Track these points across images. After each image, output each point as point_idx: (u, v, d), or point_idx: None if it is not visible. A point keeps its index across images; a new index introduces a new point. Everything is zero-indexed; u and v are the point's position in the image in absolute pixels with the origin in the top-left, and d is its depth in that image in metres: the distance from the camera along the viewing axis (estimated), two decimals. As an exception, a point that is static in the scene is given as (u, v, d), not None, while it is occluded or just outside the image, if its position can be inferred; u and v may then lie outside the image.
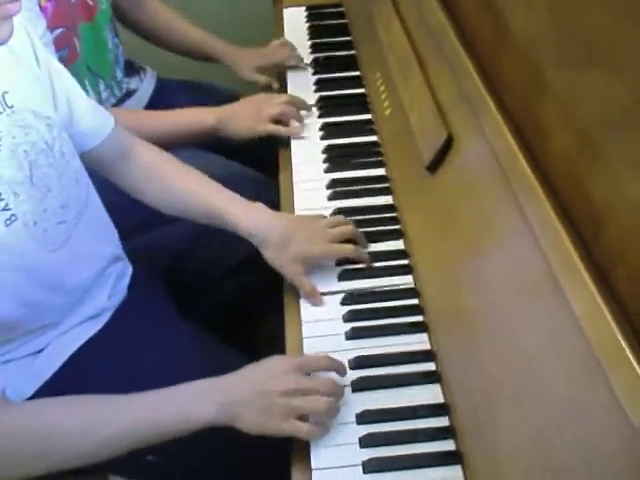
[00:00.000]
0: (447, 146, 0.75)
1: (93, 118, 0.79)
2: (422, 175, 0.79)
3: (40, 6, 0.91)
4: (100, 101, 1.06)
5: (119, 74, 1.12)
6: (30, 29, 0.74)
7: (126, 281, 0.85)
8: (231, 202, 0.79)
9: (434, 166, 0.77)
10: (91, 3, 1.03)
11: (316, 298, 0.76)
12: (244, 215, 0.78)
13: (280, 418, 0.60)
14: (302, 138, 1.01)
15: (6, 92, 0.65)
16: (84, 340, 0.76)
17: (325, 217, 0.83)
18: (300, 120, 1.01)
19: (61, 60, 0.93)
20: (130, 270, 0.87)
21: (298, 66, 1.15)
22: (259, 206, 0.80)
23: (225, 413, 0.61)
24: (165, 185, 0.82)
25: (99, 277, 0.78)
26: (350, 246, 0.78)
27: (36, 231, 0.66)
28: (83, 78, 1.03)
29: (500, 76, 0.73)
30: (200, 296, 0.95)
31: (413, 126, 0.83)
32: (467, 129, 0.72)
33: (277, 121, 0.99)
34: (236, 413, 0.61)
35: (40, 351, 0.73)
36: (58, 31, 0.95)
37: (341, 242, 0.79)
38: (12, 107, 0.65)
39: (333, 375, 0.66)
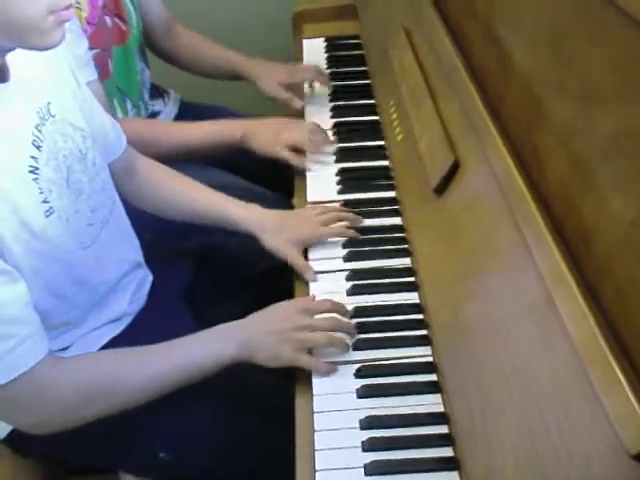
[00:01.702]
0: (453, 171, 0.80)
1: (114, 137, 0.86)
2: (429, 197, 0.83)
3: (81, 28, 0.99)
4: (127, 119, 1.13)
5: (146, 95, 1.18)
6: (69, 51, 0.80)
7: (146, 289, 0.90)
8: (230, 203, 0.90)
9: (441, 189, 0.81)
10: (124, 28, 1.10)
11: (309, 273, 0.84)
12: (243, 212, 0.89)
13: (291, 351, 0.71)
14: (317, 161, 1.06)
15: (50, 102, 0.71)
16: (105, 341, 0.81)
17: (319, 205, 0.93)
18: (317, 150, 1.05)
19: (95, 80, 1.00)
20: (150, 279, 0.92)
21: (323, 85, 1.19)
22: (255, 205, 0.91)
23: (244, 349, 0.71)
24: (168, 194, 0.91)
25: (121, 281, 0.84)
26: (336, 227, 0.88)
27: (69, 227, 0.72)
28: (112, 97, 1.09)
29: (503, 106, 0.78)
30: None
31: (422, 152, 0.88)
32: (472, 155, 0.77)
33: (294, 148, 1.04)
34: (253, 349, 0.71)
35: (65, 349, 0.78)
36: (94, 52, 1.02)
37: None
38: (54, 116, 0.71)
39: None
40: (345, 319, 0.76)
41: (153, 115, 1.22)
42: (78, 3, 0.98)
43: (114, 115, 1.09)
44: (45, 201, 0.68)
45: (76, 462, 0.83)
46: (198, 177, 0.96)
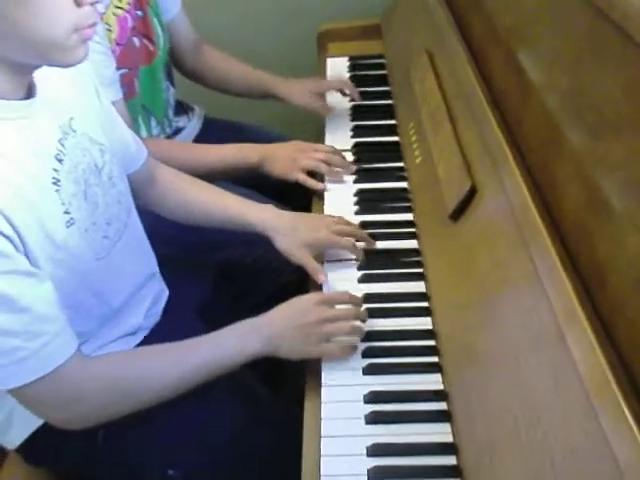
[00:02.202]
0: (470, 197, 0.80)
1: (134, 150, 0.88)
2: (445, 222, 0.83)
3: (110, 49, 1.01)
4: (150, 136, 1.15)
5: (170, 113, 1.20)
6: (94, 69, 0.83)
7: (162, 303, 0.91)
8: (245, 204, 0.92)
9: (457, 215, 0.81)
10: (151, 48, 1.13)
11: (320, 275, 0.86)
12: (257, 213, 0.91)
13: (315, 343, 0.74)
14: (336, 180, 1.06)
15: (72, 118, 0.74)
16: None
17: (335, 216, 0.93)
18: (334, 176, 1.05)
19: (121, 98, 1.02)
20: (166, 293, 0.93)
21: (349, 96, 1.21)
22: (270, 206, 0.92)
23: (268, 345, 0.74)
24: (184, 200, 0.93)
25: (136, 294, 0.85)
26: (348, 241, 0.88)
27: (87, 238, 0.74)
28: (137, 115, 1.11)
29: (521, 133, 0.78)
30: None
31: (440, 176, 0.88)
32: (489, 182, 0.76)
33: (310, 172, 1.05)
34: (277, 344, 0.74)
35: None
36: (121, 71, 1.04)
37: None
38: (75, 131, 0.74)
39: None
40: (363, 311, 0.79)
41: (177, 131, 1.23)
42: (108, 25, 1.00)
43: (138, 132, 1.11)
44: (66, 212, 0.70)
45: (86, 475, 0.84)
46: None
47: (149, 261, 0.90)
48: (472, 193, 0.79)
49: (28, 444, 0.78)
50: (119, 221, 0.81)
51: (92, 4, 0.61)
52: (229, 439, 0.75)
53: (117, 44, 1.03)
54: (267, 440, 0.79)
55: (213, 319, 0.96)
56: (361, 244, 0.91)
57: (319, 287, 0.87)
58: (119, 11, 1.04)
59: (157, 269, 0.91)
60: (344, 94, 1.23)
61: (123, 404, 0.71)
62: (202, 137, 1.27)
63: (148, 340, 0.86)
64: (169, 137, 1.20)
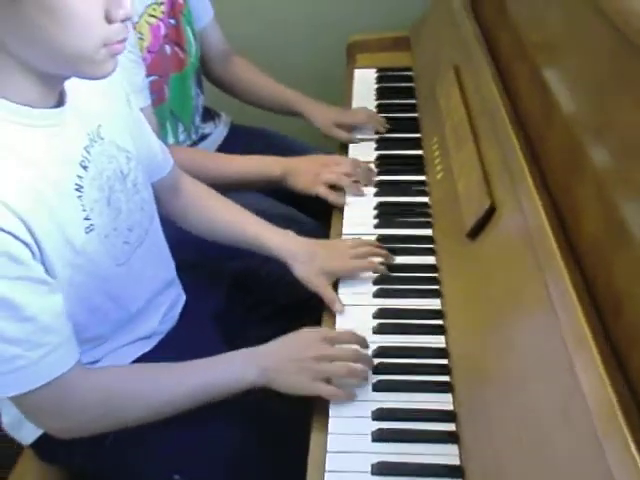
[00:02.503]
0: (488, 216, 0.79)
1: (160, 159, 0.89)
2: (463, 240, 0.82)
3: (141, 56, 1.03)
4: (177, 142, 1.17)
5: (197, 120, 1.22)
6: (126, 77, 0.84)
7: (178, 309, 0.92)
8: (266, 229, 0.92)
9: (474, 233, 0.80)
10: (182, 56, 1.14)
11: (336, 305, 0.85)
12: (277, 239, 0.91)
13: (309, 380, 0.71)
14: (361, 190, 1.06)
15: (100, 125, 0.75)
16: (134, 358, 0.83)
17: (354, 239, 0.93)
18: (356, 190, 1.05)
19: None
20: (183, 299, 0.94)
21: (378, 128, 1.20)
22: (289, 232, 0.92)
23: (263, 376, 0.73)
24: (208, 216, 0.94)
25: (153, 300, 0.86)
26: (367, 261, 0.88)
27: (107, 244, 0.75)
28: (165, 120, 1.13)
29: (543, 154, 0.76)
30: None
31: (460, 193, 0.87)
32: (508, 201, 0.75)
33: (332, 185, 1.05)
34: (273, 377, 0.73)
35: (95, 362, 0.80)
36: (152, 78, 1.06)
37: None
38: (103, 139, 0.75)
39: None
40: (364, 351, 0.76)
41: (203, 137, 1.25)
42: (140, 34, 1.02)
43: (165, 138, 1.13)
44: (87, 218, 0.71)
45: (96, 476, 0.85)
46: (239, 200, 0.98)
47: (168, 268, 0.91)
48: (491, 212, 0.78)
49: (40, 442, 0.80)
50: (141, 227, 0.82)
51: (123, 21, 0.62)
52: (233, 450, 0.76)
53: (149, 52, 1.05)
54: (271, 453, 0.79)
55: (226, 327, 0.97)
56: (378, 259, 0.90)
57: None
58: (153, 20, 1.06)
59: (175, 275, 0.92)
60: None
61: (119, 417, 0.72)
62: (227, 144, 1.29)
63: (163, 344, 0.87)
64: (195, 143, 1.22)
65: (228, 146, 1.27)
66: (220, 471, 0.78)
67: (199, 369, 0.74)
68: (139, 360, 0.84)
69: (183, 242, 0.95)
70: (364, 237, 0.97)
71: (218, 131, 1.29)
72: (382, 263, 0.89)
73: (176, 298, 0.92)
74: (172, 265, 0.92)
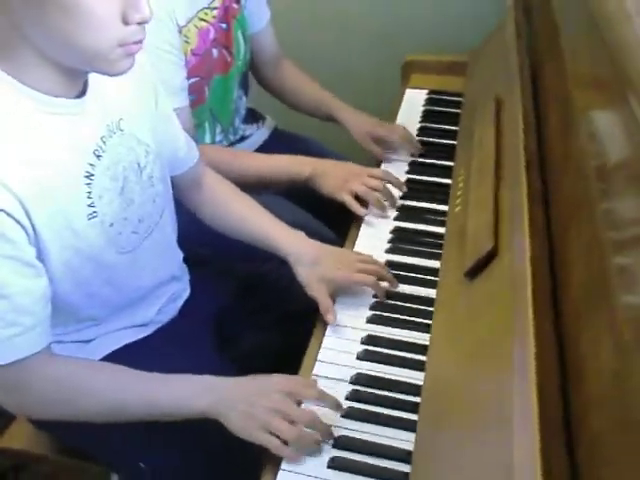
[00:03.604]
0: (489, 259, 0.76)
1: (183, 155, 0.91)
2: (461, 279, 0.79)
3: (185, 58, 1.05)
4: (213, 142, 1.20)
5: (236, 122, 1.25)
6: (157, 75, 0.87)
7: (179, 303, 0.95)
8: (276, 227, 0.92)
9: (472, 274, 0.77)
10: (229, 59, 1.17)
11: (330, 315, 0.84)
12: (286, 238, 0.91)
13: (256, 428, 0.69)
14: (376, 212, 1.05)
15: (122, 119, 0.78)
16: (126, 342, 0.86)
17: (362, 254, 0.92)
18: (381, 207, 1.04)
19: (189, 104, 1.07)
20: (186, 294, 0.97)
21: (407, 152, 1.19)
22: (300, 233, 0.92)
23: (215, 409, 0.71)
24: (223, 210, 0.95)
25: (154, 290, 0.89)
26: (371, 277, 0.86)
27: (110, 232, 0.77)
28: (204, 120, 1.16)
29: (555, 203, 0.73)
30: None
31: (468, 230, 0.85)
32: (508, 248, 0.73)
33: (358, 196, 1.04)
34: (224, 412, 0.70)
35: (88, 341, 0.84)
36: (193, 79, 1.09)
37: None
38: (123, 131, 0.78)
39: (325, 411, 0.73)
40: (324, 423, 0.71)
41: (243, 138, 1.28)
42: (187, 37, 1.05)
43: (202, 137, 1.16)
44: (91, 205, 0.74)
45: (75, 447, 0.89)
46: (259, 202, 0.99)
47: (173, 262, 0.93)
48: (492, 255, 0.76)
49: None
50: (151, 219, 0.85)
51: (139, 24, 0.64)
52: (198, 438, 0.76)
53: (193, 54, 1.07)
54: (235, 442, 0.79)
55: (224, 328, 0.99)
56: (384, 284, 0.89)
57: (324, 323, 0.86)
58: (203, 24, 1.08)
59: (180, 272, 0.95)
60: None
61: (70, 409, 0.73)
62: (267, 147, 1.30)
63: (157, 334, 0.90)
64: (232, 144, 1.25)
65: (266, 149, 1.28)
66: (182, 459, 0.79)
67: (155, 380, 0.74)
68: (131, 345, 0.87)
69: (198, 237, 0.97)
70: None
71: (259, 134, 1.32)
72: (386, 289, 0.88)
73: (178, 292, 0.95)
74: (178, 259, 0.95)
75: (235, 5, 1.15)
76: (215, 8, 1.10)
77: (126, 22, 0.63)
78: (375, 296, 0.89)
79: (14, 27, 0.63)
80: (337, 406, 0.73)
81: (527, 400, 0.50)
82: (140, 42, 0.67)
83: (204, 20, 1.08)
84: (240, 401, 0.70)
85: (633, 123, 0.56)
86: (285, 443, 0.68)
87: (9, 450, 0.92)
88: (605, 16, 0.67)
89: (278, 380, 0.73)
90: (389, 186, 1.06)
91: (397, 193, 1.08)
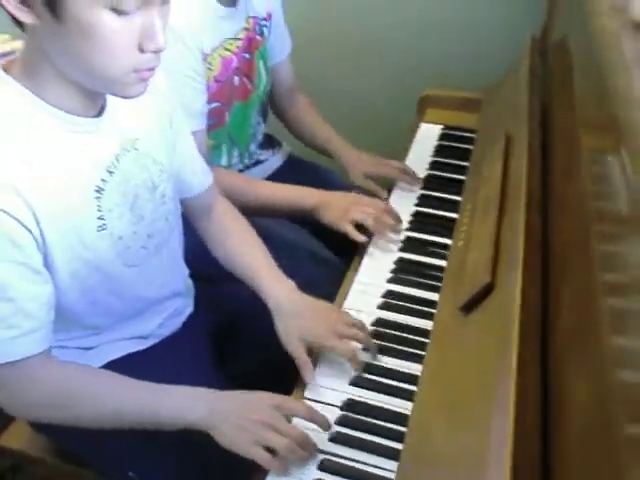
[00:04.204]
0: (485, 295, 0.77)
1: (194, 177, 0.94)
2: (457, 313, 0.80)
3: (207, 84, 1.09)
4: (229, 164, 1.23)
5: (253, 147, 1.28)
6: (183, 102, 0.92)
7: (182, 318, 0.97)
8: (268, 270, 0.92)
9: (467, 308, 0.78)
10: (249, 87, 1.21)
11: (307, 373, 0.82)
12: (272, 284, 0.90)
13: (248, 442, 0.70)
14: (382, 242, 1.07)
15: (137, 139, 0.81)
16: (126, 353, 0.89)
17: (346, 313, 0.89)
18: (380, 232, 1.06)
19: (208, 127, 1.11)
20: (189, 310, 0.99)
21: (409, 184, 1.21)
22: (289, 282, 0.91)
23: (206, 420, 0.72)
24: (225, 243, 0.97)
25: (157, 304, 0.91)
26: (352, 349, 0.83)
27: (119, 245, 0.80)
28: (222, 143, 1.20)
29: (555, 244, 0.74)
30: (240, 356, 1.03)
31: (467, 265, 0.86)
32: (503, 286, 0.74)
33: (360, 224, 1.06)
34: (215, 425, 0.72)
35: (89, 349, 0.87)
36: (214, 105, 1.13)
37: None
38: (138, 150, 0.81)
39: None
40: (311, 440, 0.73)
41: (257, 163, 1.31)
42: (210, 64, 1.09)
43: (219, 158, 1.20)
44: (100, 218, 0.77)
45: (71, 451, 0.91)
46: (270, 226, 1.01)
47: (178, 279, 0.96)
48: (488, 291, 0.77)
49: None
50: (161, 236, 0.87)
51: (154, 52, 0.68)
52: (191, 450, 0.77)
53: (215, 81, 1.11)
54: (228, 455, 0.79)
55: (226, 345, 1.01)
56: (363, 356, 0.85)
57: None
58: (227, 53, 1.12)
59: (184, 288, 0.97)
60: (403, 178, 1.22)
61: (64, 413, 0.75)
62: (280, 172, 1.34)
63: (157, 347, 0.92)
64: (247, 167, 1.28)
65: (280, 175, 1.32)
66: (170, 469, 0.80)
67: (151, 390, 0.75)
68: (132, 355, 0.89)
69: (205, 255, 1.00)
70: (374, 288, 0.98)
71: (274, 159, 1.35)
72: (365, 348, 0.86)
73: (182, 307, 0.97)
74: (184, 276, 0.97)
75: (259, 37, 1.20)
76: (240, 39, 1.14)
77: (141, 50, 0.67)
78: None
79: (38, 47, 0.67)
80: (326, 425, 0.74)
81: (503, 442, 0.51)
82: (153, 69, 0.70)
83: (228, 50, 1.12)
84: (231, 415, 0.72)
85: (624, 172, 0.58)
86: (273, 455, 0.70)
87: (8, 450, 0.95)
88: (607, 64, 0.69)
89: (270, 395, 0.75)
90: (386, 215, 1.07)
91: (401, 224, 1.09)
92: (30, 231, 0.68)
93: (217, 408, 0.73)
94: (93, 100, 0.74)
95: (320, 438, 0.74)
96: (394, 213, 1.09)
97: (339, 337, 0.83)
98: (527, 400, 0.55)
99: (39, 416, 0.77)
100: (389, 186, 1.22)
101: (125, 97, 0.71)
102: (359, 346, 0.85)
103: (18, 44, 1.72)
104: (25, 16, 0.63)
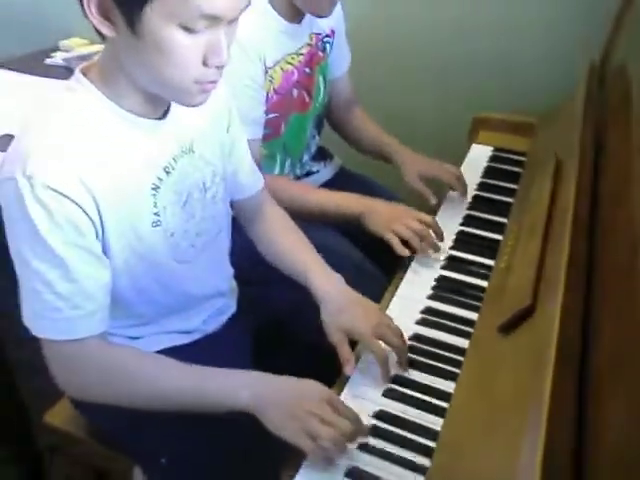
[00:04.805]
0: (525, 317, 0.77)
1: (247, 179, 0.98)
2: (495, 333, 0.80)
3: (267, 95, 1.13)
4: (281, 174, 1.26)
5: (305, 158, 1.31)
6: (242, 110, 0.96)
7: (224, 317, 1.01)
8: (317, 266, 0.95)
9: (506, 329, 0.78)
10: (307, 100, 1.24)
11: (349, 365, 0.85)
12: (322, 279, 0.93)
13: (297, 429, 0.72)
14: (425, 259, 1.07)
15: (194, 141, 0.86)
16: (169, 345, 0.92)
17: (389, 317, 0.91)
18: (423, 252, 1.07)
19: (264, 136, 1.14)
20: (232, 310, 1.02)
21: (458, 193, 1.21)
22: (336, 276, 0.94)
23: (256, 405, 0.74)
24: (274, 239, 1.00)
25: (201, 301, 0.95)
26: (384, 354, 0.85)
27: (171, 241, 0.84)
28: (276, 153, 1.23)
29: (598, 272, 0.73)
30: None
31: (509, 286, 0.86)
32: (543, 310, 0.73)
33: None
34: (264, 410, 0.74)
35: (136, 338, 0.91)
36: (272, 115, 1.17)
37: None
38: (194, 152, 0.86)
39: None
40: (359, 436, 0.75)
41: (308, 174, 1.34)
42: (271, 77, 1.13)
43: (272, 167, 1.23)
44: (156, 214, 0.81)
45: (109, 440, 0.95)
46: (314, 233, 1.03)
47: (223, 279, 0.99)
48: (528, 313, 0.77)
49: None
50: (208, 235, 0.91)
51: (217, 67, 0.72)
52: (223, 438, 0.80)
53: (276, 93, 1.15)
54: (258, 445, 0.82)
55: (264, 347, 1.03)
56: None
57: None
58: (288, 67, 1.16)
59: (228, 288, 1.00)
60: (452, 188, 1.23)
61: (117, 393, 0.78)
62: (331, 184, 1.36)
63: (199, 343, 0.96)
64: (299, 177, 1.32)
65: (329, 186, 1.34)
66: (203, 455, 0.83)
67: (202, 372, 0.78)
68: (174, 349, 0.92)
69: (252, 257, 1.03)
70: (413, 304, 0.99)
71: (325, 171, 1.38)
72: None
73: (225, 307, 1.00)
74: (228, 276, 1.00)
75: (321, 53, 1.23)
76: (302, 54, 1.18)
77: (205, 64, 0.71)
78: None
79: (115, 57, 0.72)
80: (366, 433, 0.76)
81: (532, 466, 0.51)
82: (215, 82, 0.74)
83: (290, 64, 1.16)
84: (282, 401, 0.74)
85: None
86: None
87: (50, 427, 0.99)
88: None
89: (320, 388, 0.76)
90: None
91: (443, 242, 1.10)
92: (91, 219, 0.73)
93: (265, 394, 0.75)
94: (158, 105, 0.79)
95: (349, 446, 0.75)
96: (439, 229, 1.09)
97: (378, 337, 0.85)
98: (560, 426, 0.55)
99: (94, 395, 0.80)
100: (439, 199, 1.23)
101: (187, 106, 0.76)
102: (394, 356, 0.86)
103: (95, 47, 1.82)
104: (106, 29, 0.69)
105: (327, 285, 0.92)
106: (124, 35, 0.68)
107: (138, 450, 0.89)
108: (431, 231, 1.08)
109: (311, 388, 0.77)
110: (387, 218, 1.08)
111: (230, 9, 0.68)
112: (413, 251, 1.07)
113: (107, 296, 0.78)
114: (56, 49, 1.88)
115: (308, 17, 1.15)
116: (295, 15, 1.13)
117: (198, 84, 0.72)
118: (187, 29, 0.67)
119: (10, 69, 1.71)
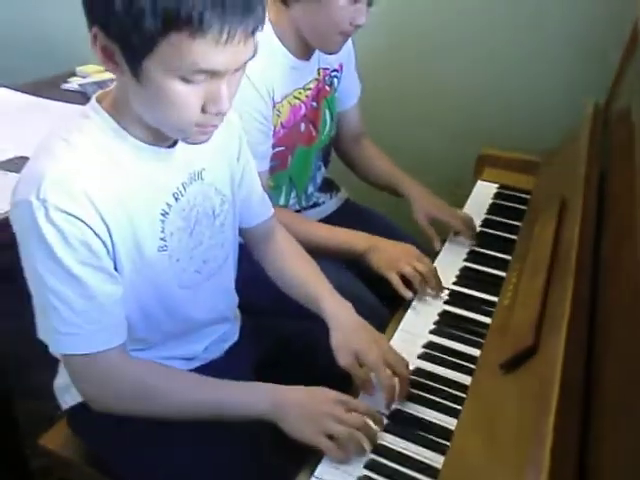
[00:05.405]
0: (527, 356, 0.77)
1: (258, 207, 1.00)
2: (497, 371, 0.80)
3: (274, 128, 1.15)
4: (286, 205, 1.28)
5: (311, 189, 1.33)
6: (251, 143, 0.98)
7: (226, 345, 1.01)
8: (328, 292, 0.97)
9: (508, 367, 0.78)
10: (314, 134, 1.26)
11: (368, 387, 0.88)
12: (333, 305, 0.95)
13: (315, 431, 0.77)
14: (428, 294, 1.08)
15: (204, 169, 0.88)
16: None
17: (393, 347, 0.92)
18: (423, 293, 1.08)
19: (271, 169, 1.16)
20: (235, 338, 1.02)
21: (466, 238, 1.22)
22: (348, 305, 0.96)
23: (275, 413, 0.79)
24: (286, 265, 1.02)
25: (204, 328, 0.95)
26: (392, 383, 0.86)
27: (176, 267, 0.86)
28: (282, 184, 1.25)
29: (601, 313, 0.74)
30: None
31: (512, 324, 0.86)
32: (546, 350, 0.73)
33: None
34: (282, 416, 0.79)
35: None
36: (279, 149, 1.19)
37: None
38: (203, 180, 0.87)
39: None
40: (374, 426, 0.80)
41: (314, 205, 1.35)
42: (279, 111, 1.15)
43: (277, 198, 1.25)
44: (163, 239, 0.83)
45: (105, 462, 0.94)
46: (321, 265, 1.04)
47: (228, 306, 1.00)
48: (531, 352, 0.77)
49: (75, 409, 0.91)
50: (215, 262, 0.92)
51: (217, 114, 0.73)
52: (208, 457, 0.82)
53: (282, 127, 1.17)
54: (250, 461, 0.84)
55: (265, 377, 1.03)
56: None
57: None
58: (296, 101, 1.19)
59: (232, 316, 1.01)
60: (456, 233, 1.23)
61: (142, 405, 0.81)
62: (336, 216, 1.37)
63: (202, 369, 0.95)
64: (304, 209, 1.33)
65: (334, 218, 1.35)
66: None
67: (221, 383, 0.83)
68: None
69: (257, 287, 1.03)
70: (415, 338, 0.99)
71: (331, 203, 1.39)
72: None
73: (228, 334, 1.01)
74: (233, 303, 1.01)
75: (327, 87, 1.25)
76: (309, 89, 1.20)
77: (205, 111, 0.72)
78: None
79: (125, 91, 0.75)
80: (382, 424, 0.81)
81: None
82: (215, 126, 0.76)
83: (298, 98, 1.18)
84: (299, 407, 0.79)
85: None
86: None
87: (42, 449, 0.99)
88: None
89: (332, 391, 0.81)
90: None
91: (446, 280, 1.10)
92: (102, 240, 0.75)
93: (281, 403, 0.79)
94: (165, 137, 0.81)
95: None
96: (438, 278, 1.09)
97: (387, 365, 0.87)
98: (563, 467, 0.55)
99: (118, 408, 0.82)
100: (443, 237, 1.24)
101: (190, 144, 0.78)
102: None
103: (110, 75, 1.85)
104: (112, 70, 0.72)
105: (338, 311, 0.94)
106: (128, 78, 0.71)
107: (133, 474, 0.89)
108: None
109: (323, 392, 0.82)
110: (392, 258, 1.09)
111: (229, 64, 0.69)
112: (414, 291, 1.08)
113: (122, 311, 0.80)
114: (72, 74, 1.92)
115: (317, 52, 1.18)
116: (305, 52, 1.16)
117: (199, 127, 0.74)
118: (185, 80, 0.69)
119: (26, 92, 1.75)
